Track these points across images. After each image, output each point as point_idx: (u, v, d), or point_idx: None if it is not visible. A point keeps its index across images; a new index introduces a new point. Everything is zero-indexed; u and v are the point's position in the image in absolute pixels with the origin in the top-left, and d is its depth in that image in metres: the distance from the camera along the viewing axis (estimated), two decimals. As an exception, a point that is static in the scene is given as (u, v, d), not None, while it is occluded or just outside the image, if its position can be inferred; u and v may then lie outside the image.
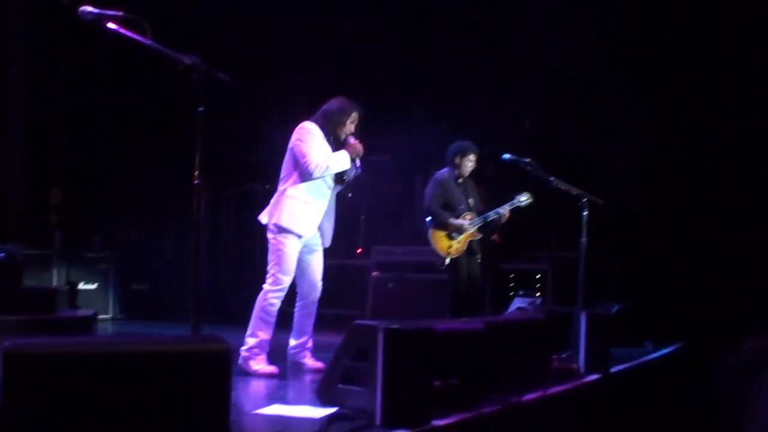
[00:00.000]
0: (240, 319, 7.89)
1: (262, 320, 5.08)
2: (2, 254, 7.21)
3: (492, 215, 6.41)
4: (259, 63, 9.65)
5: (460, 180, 6.55)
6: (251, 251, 9.68)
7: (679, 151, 8.08)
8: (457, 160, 6.49)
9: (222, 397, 2.63)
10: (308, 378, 5.07)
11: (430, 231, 6.43)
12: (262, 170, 9.60)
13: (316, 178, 5.07)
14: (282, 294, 5.12)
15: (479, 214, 6.47)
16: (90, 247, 9.24)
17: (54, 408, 2.38)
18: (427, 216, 6.48)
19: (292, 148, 5.12)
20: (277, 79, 10.05)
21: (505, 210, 6.39)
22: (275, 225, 5.07)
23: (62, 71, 9.85)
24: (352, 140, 5.18)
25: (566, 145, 8.49)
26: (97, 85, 9.76)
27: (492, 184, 7.73)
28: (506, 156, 6.32)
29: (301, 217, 5.08)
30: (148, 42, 3.62)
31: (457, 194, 6.50)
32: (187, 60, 3.60)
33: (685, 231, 7.90)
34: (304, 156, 5.00)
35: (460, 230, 6.38)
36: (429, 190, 6.53)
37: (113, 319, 9.07)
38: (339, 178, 5.26)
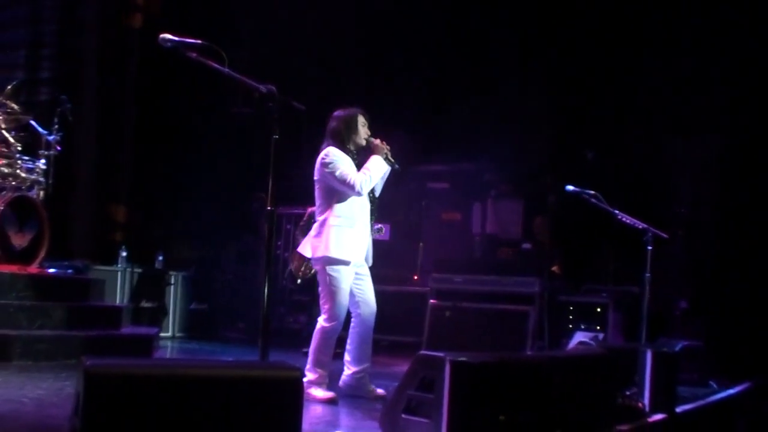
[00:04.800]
0: (294, 342, 7.92)
1: (321, 354, 5.08)
2: (70, 270, 7.41)
3: None
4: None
5: None
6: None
7: (749, 188, 7.91)
8: None
9: (294, 423, 2.65)
10: (367, 405, 5.05)
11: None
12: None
13: (362, 194, 5.01)
14: (339, 327, 5.11)
15: None
16: (153, 265, 9.38)
17: (131, 428, 2.42)
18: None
19: (323, 179, 5.05)
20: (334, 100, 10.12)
21: None
22: (324, 257, 4.99)
23: (130, 94, 10.10)
24: (374, 141, 5.10)
25: (631, 178, 8.38)
26: (164, 107, 9.97)
27: (554, 216, 7.66)
28: (569, 188, 6.27)
29: (348, 244, 5.01)
30: (226, 70, 3.70)
31: None
32: (263, 88, 3.66)
33: (753, 268, 7.71)
34: (344, 179, 4.92)
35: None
36: None
37: (173, 337, 9.19)
38: (372, 195, 5.21)
